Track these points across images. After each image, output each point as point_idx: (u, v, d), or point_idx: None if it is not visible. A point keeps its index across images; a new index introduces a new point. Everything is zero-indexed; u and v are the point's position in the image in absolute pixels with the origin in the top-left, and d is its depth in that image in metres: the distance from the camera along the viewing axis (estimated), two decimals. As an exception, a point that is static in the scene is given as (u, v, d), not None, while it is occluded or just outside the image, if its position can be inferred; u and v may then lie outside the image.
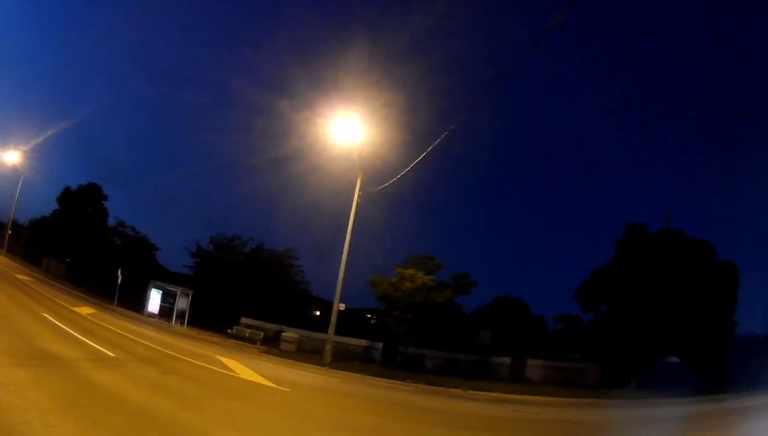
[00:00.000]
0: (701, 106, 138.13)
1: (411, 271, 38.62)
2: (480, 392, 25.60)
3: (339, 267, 30.15)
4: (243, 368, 17.96)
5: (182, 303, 40.69)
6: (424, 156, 25.12)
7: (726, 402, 24.44)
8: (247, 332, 38.09)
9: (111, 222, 66.34)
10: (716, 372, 34.42)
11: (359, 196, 30.03)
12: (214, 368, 16.58)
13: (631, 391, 32.92)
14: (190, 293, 41.47)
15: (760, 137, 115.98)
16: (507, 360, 39.71)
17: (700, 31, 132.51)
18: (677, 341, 37.56)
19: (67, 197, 65.15)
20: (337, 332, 30.99)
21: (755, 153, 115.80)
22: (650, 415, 20.67)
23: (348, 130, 27.99)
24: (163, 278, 48.01)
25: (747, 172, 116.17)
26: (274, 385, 14.63)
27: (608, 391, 31.49)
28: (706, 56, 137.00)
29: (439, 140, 23.25)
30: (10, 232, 61.34)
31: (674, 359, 41.55)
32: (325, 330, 31.66)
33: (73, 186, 66.21)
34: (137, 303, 42.26)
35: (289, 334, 36.92)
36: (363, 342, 40.13)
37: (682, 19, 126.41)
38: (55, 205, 66.40)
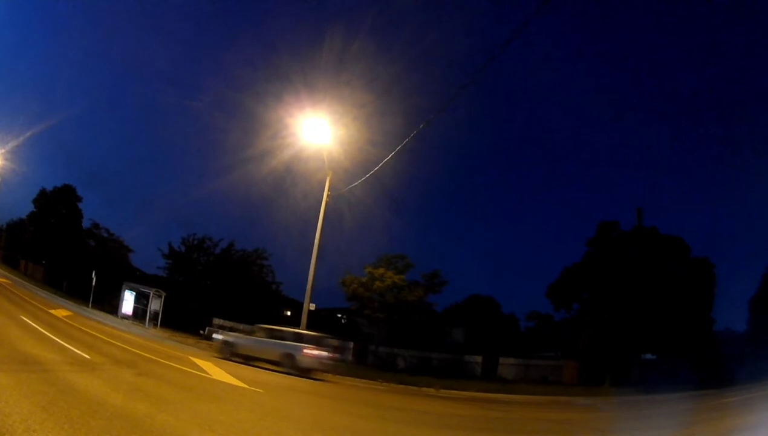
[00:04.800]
0: (677, 106, 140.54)
1: (381, 270, 38.91)
2: (453, 391, 26.00)
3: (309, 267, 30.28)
4: (216, 369, 18.13)
5: (155, 304, 40.48)
6: (392, 155, 25.52)
7: (704, 398, 24.79)
8: (220, 333, 37.95)
9: (85, 224, 65.93)
10: (694, 368, 35.00)
11: (328, 195, 30.27)
12: (188, 369, 16.75)
13: (607, 388, 33.37)
14: (163, 294, 41.27)
15: (736, 137, 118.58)
16: (479, 358, 40.10)
17: (682, 34, 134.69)
18: (653, 338, 38.06)
19: (42, 199, 64.50)
20: (309, 332, 31.10)
21: (731, 152, 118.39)
22: (626, 411, 21.14)
23: (318, 130, 28.22)
24: (138, 279, 47.89)
25: (724, 172, 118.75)
26: (247, 386, 14.82)
27: (583, 388, 31.94)
28: (691, 60, 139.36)
29: (407, 140, 23.63)
30: (-13, 235, 60.63)
31: (650, 356, 42.16)
32: (296, 330, 31.70)
33: (49, 188, 65.75)
34: (112, 305, 42.02)
35: (261, 334, 36.85)
36: (334, 342, 40.28)
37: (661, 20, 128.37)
38: (31, 208, 65.82)
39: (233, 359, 24.33)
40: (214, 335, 29.80)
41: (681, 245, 41.15)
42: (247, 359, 24.32)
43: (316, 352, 23.33)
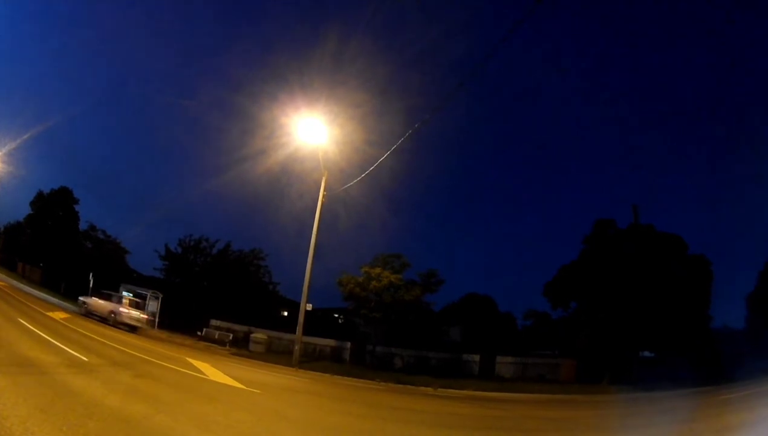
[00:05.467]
0: (677, 106, 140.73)
1: (378, 270, 38.71)
2: (450, 390, 25.92)
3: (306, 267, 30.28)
4: (214, 370, 18.10)
5: (153, 306, 40.43)
6: (388, 155, 25.55)
7: (702, 395, 24.65)
8: (217, 334, 37.88)
9: (82, 226, 65.65)
10: (692, 366, 34.94)
11: (324, 195, 30.30)
12: (185, 370, 16.71)
13: (605, 386, 33.35)
14: (160, 295, 41.22)
15: (735, 137, 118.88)
16: (477, 357, 40.01)
17: (675, 35, 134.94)
18: (651, 336, 37.85)
19: (39, 202, 64.22)
20: (306, 333, 31.17)
21: (729, 151, 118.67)
22: (624, 408, 21.12)
23: (314, 129, 28.21)
24: (134, 281, 47.77)
25: (721, 171, 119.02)
26: (244, 387, 14.82)
27: (581, 386, 31.92)
28: (691, 60, 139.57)
29: (402, 139, 23.64)
30: (-15, 238, 60.35)
31: (648, 354, 42.09)
32: (293, 330, 31.71)
33: (46, 190, 65.47)
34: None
35: (258, 335, 36.93)
36: (332, 342, 40.31)
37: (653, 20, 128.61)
38: (28, 210, 65.60)
39: (89, 316, 32.76)
40: (79, 298, 36.45)
41: (678, 243, 40.94)
42: (102, 319, 32.13)
43: (129, 311, 32.77)
